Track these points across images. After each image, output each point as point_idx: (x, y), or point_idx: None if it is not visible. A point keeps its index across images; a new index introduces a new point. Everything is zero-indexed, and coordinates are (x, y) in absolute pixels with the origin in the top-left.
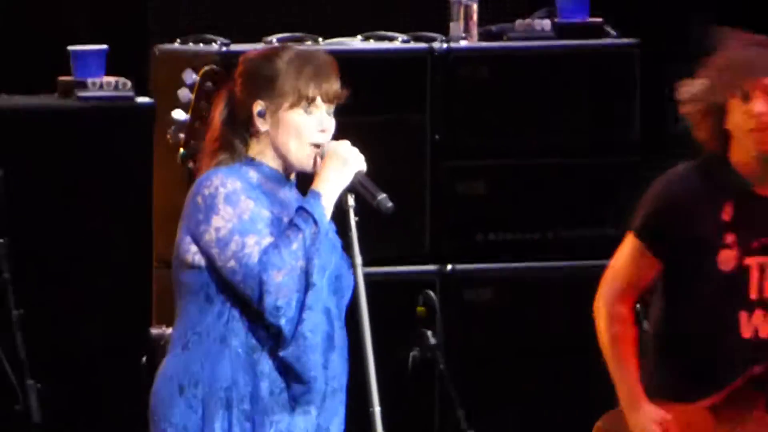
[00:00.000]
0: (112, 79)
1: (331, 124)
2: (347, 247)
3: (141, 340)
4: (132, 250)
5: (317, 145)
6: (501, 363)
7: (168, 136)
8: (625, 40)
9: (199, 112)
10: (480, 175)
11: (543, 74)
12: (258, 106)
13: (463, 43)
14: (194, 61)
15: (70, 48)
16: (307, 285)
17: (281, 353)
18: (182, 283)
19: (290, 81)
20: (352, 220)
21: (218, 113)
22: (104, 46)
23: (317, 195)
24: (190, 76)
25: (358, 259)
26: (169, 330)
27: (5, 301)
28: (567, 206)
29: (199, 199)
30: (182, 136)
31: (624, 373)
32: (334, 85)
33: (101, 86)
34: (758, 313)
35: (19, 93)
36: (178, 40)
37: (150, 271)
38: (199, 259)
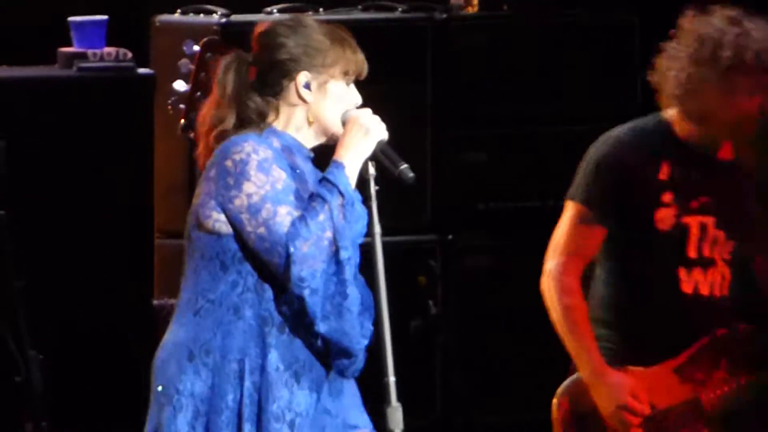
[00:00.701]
0: (112, 50)
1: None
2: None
3: (143, 310)
4: (133, 221)
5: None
6: (501, 331)
7: (168, 107)
8: (625, 12)
9: (200, 83)
10: (481, 144)
11: (543, 43)
12: (304, 77)
13: (462, 12)
14: (194, 31)
15: (70, 19)
16: (339, 259)
17: (321, 330)
18: (197, 247)
19: (336, 52)
20: (373, 189)
21: (229, 82)
22: (104, 17)
23: (340, 165)
24: (191, 47)
25: (377, 228)
26: (172, 301)
27: (6, 272)
28: (567, 175)
29: (229, 163)
30: (183, 107)
31: (582, 344)
32: (363, 58)
33: (101, 57)
34: (697, 270)
35: (19, 64)
36: (179, 11)
37: (152, 241)
38: (219, 226)
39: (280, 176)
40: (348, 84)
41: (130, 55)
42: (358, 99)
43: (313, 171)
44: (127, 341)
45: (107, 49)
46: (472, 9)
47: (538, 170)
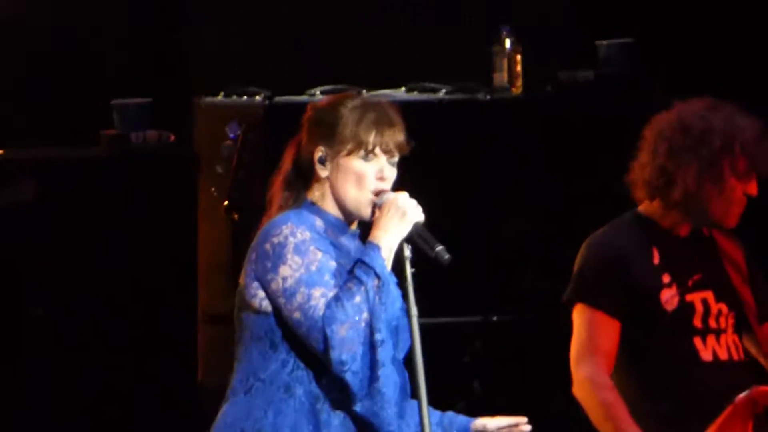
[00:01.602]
0: (155, 132)
1: (391, 173)
2: (403, 297)
3: (188, 392)
4: (177, 302)
5: (376, 194)
6: (551, 412)
7: (212, 189)
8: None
9: (243, 163)
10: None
11: (583, 128)
12: (319, 152)
13: (505, 95)
14: (238, 113)
15: (114, 102)
16: (373, 341)
17: (357, 409)
18: (246, 327)
19: (350, 127)
20: (409, 271)
21: (289, 160)
22: (147, 99)
23: (376, 248)
24: (234, 129)
25: (414, 310)
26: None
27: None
28: None
29: (268, 247)
30: (226, 188)
31: None
32: (396, 135)
33: (144, 139)
34: (711, 338)
35: (63, 146)
36: (222, 93)
37: (196, 324)
38: (266, 305)
39: (316, 257)
40: (369, 160)
41: (172, 137)
42: (388, 175)
43: (357, 248)
44: (172, 423)
45: (150, 132)
46: (516, 90)
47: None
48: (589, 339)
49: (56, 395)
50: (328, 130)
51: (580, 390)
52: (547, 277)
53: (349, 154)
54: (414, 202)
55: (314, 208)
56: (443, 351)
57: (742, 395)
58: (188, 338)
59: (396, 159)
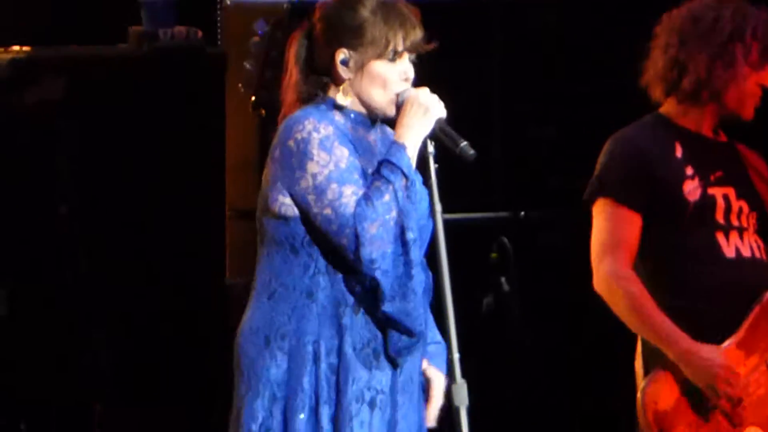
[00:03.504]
0: (183, 28)
1: (412, 72)
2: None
3: (216, 289)
4: (205, 199)
5: (398, 93)
6: (574, 308)
7: (240, 86)
8: None
9: (271, 61)
10: (550, 119)
11: (613, 19)
12: (341, 54)
13: None
14: (265, 11)
15: None
16: (405, 239)
17: (387, 309)
18: (266, 231)
19: (378, 30)
20: (432, 167)
21: (293, 58)
22: None
23: (402, 147)
24: (262, 26)
25: (438, 207)
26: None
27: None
28: None
29: (291, 143)
30: (254, 85)
31: (662, 325)
32: (419, 35)
33: (172, 36)
34: (734, 235)
35: (90, 43)
36: None
37: (224, 219)
38: (285, 210)
39: (343, 154)
40: (394, 62)
41: (200, 34)
42: (411, 75)
43: (383, 140)
44: (199, 319)
45: (178, 28)
46: None
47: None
48: (611, 234)
49: (80, 293)
50: (349, 33)
51: (602, 284)
52: (574, 175)
53: (378, 57)
54: (436, 97)
55: (337, 105)
56: (470, 247)
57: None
58: (216, 235)
59: (413, 57)
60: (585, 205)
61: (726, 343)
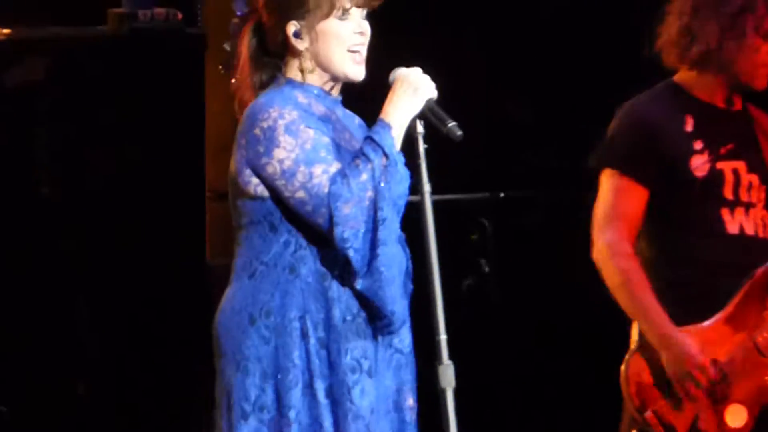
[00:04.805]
0: (162, 10)
1: (367, 27)
2: (415, 174)
3: (196, 270)
4: (184, 180)
5: (355, 51)
6: (553, 288)
7: (219, 67)
8: None
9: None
10: (529, 99)
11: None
12: (292, 26)
13: None
14: None
15: None
16: (376, 218)
17: (358, 286)
18: (243, 213)
19: None
20: (421, 147)
21: (245, 47)
22: None
23: (387, 126)
24: (242, 6)
25: (427, 187)
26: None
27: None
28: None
29: (258, 132)
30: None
31: (646, 306)
32: None
33: (152, 17)
34: (740, 211)
35: (69, 24)
36: None
37: (203, 201)
38: (261, 190)
39: (309, 135)
40: (344, 19)
41: (180, 15)
42: (365, 29)
43: (350, 115)
44: (180, 301)
45: (157, 9)
46: None
47: (590, 127)
48: (614, 205)
49: (61, 275)
50: (294, 4)
51: (598, 255)
52: (556, 155)
53: (325, 17)
54: (427, 77)
55: (295, 84)
56: (450, 229)
57: (761, 268)
58: (196, 216)
59: (365, 13)
60: (591, 171)
61: (713, 319)
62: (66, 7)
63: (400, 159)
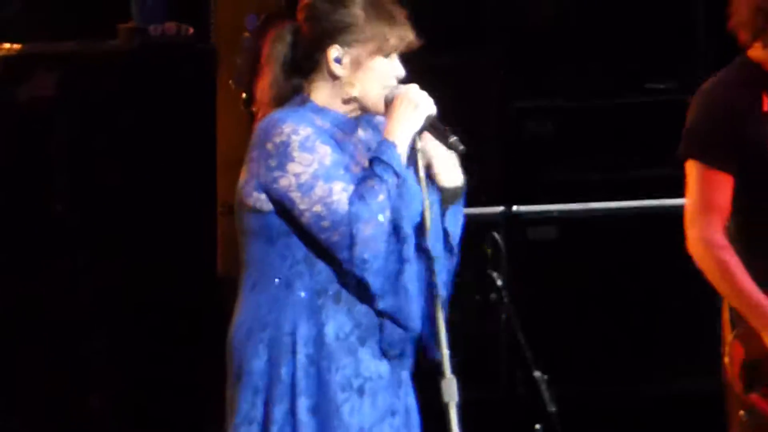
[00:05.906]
0: (173, 24)
1: (403, 71)
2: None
3: (208, 284)
4: (196, 195)
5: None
6: (566, 303)
7: (231, 82)
8: None
9: (262, 57)
10: (547, 115)
11: (608, 15)
12: (335, 51)
13: None
14: (257, 5)
15: None
16: (399, 237)
17: (379, 306)
18: (245, 225)
19: (373, 27)
20: (421, 161)
21: (274, 57)
22: None
23: (392, 145)
24: (254, 21)
25: (427, 201)
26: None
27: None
28: (632, 147)
29: (270, 146)
30: (245, 81)
31: (750, 295)
32: (411, 33)
33: (163, 32)
34: None
35: (81, 39)
36: None
37: (215, 215)
38: (260, 204)
39: (326, 151)
40: (389, 58)
41: (191, 30)
42: (401, 73)
43: (367, 138)
44: (191, 314)
45: (169, 24)
46: None
47: (603, 142)
48: (701, 197)
49: (76, 288)
50: (341, 29)
51: (694, 249)
52: (567, 170)
53: (374, 53)
54: (425, 93)
55: (317, 108)
56: (462, 242)
57: None
58: (207, 230)
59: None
60: (678, 161)
61: None
62: (77, 23)
63: (410, 175)
